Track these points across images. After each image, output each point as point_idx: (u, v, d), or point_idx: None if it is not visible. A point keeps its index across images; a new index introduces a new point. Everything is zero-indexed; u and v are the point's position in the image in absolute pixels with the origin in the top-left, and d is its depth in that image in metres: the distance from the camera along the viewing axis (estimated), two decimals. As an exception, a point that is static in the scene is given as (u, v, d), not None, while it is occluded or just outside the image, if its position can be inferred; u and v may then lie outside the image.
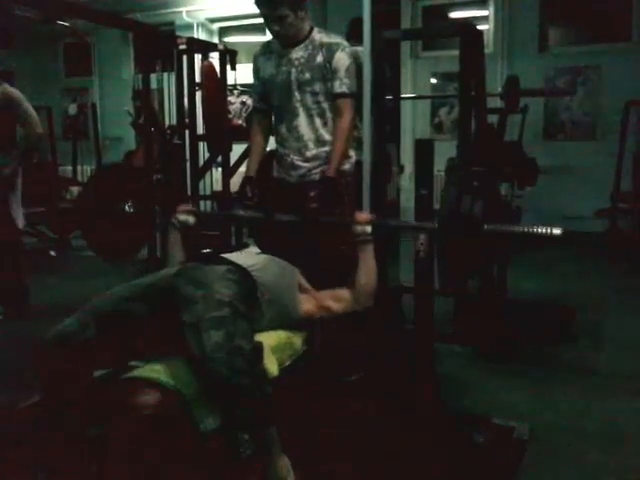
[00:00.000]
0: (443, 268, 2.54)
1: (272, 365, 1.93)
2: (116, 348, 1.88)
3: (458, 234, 2.37)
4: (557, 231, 1.99)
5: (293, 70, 2.72)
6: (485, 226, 2.18)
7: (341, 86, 2.70)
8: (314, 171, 2.77)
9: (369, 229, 2.24)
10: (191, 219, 2.50)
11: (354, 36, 3.07)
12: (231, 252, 2.27)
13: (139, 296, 1.94)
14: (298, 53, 2.73)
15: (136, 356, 1.90)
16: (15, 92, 3.78)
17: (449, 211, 2.57)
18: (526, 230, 2.09)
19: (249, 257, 2.19)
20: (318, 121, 2.76)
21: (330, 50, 2.69)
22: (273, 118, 2.94)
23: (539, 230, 2.03)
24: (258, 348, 1.82)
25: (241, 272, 2.03)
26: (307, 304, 2.21)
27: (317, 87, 2.71)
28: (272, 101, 2.86)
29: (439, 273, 2.52)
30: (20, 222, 4.12)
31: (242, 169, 4.63)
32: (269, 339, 2.01)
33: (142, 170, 5.00)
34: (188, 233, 2.52)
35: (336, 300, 2.24)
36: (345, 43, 2.74)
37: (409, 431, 2.29)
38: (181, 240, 2.47)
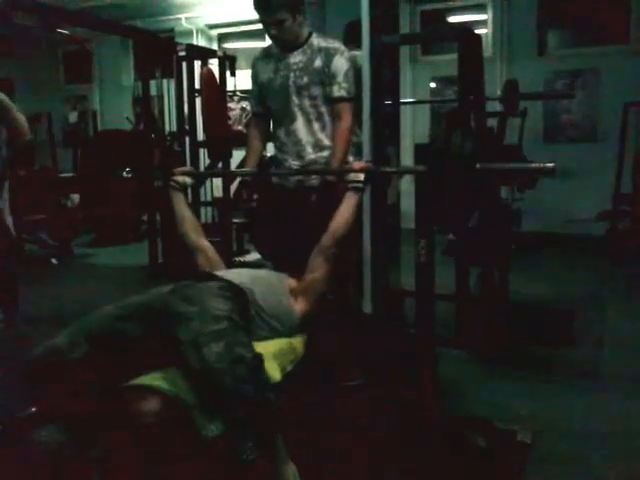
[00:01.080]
0: (439, 211, 2.50)
1: (274, 371, 1.93)
2: (108, 367, 1.86)
3: (450, 174, 2.36)
4: (550, 165, 1.97)
5: (291, 74, 2.73)
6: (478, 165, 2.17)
7: (340, 90, 2.71)
8: (312, 176, 2.77)
9: (362, 177, 2.29)
10: (188, 179, 2.58)
11: (351, 40, 3.08)
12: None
13: (131, 315, 1.94)
14: (296, 57, 2.74)
15: (129, 375, 1.89)
16: (4, 97, 3.78)
17: (439, 150, 2.53)
18: (520, 166, 2.08)
19: (238, 275, 2.19)
20: (316, 125, 2.76)
21: (328, 55, 2.70)
22: (271, 123, 2.95)
23: (532, 166, 2.03)
24: (259, 357, 1.82)
25: (234, 289, 2.03)
26: (300, 305, 2.21)
27: (315, 91, 2.72)
28: (270, 105, 2.87)
29: (436, 218, 2.48)
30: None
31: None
32: (270, 346, 2.02)
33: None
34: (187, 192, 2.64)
35: (312, 269, 2.25)
36: (343, 48, 2.75)
37: (411, 435, 2.29)
38: (184, 198, 2.55)
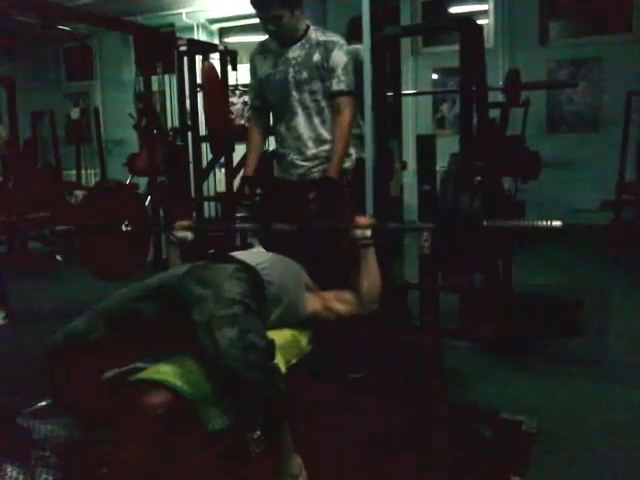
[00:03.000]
0: (445, 266, 2.53)
1: (279, 364, 1.94)
2: (125, 348, 1.88)
3: (457, 231, 2.36)
4: (557, 224, 1.99)
5: (290, 69, 2.72)
6: (485, 222, 2.17)
7: (339, 84, 2.70)
8: (314, 170, 2.77)
9: (369, 233, 2.22)
10: (189, 235, 2.47)
11: (354, 35, 3.07)
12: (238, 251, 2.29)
13: (147, 296, 1.95)
14: (295, 52, 2.73)
15: (145, 356, 1.90)
16: None
17: (447, 209, 2.55)
18: (526, 224, 2.09)
19: (256, 256, 2.19)
20: (317, 120, 2.76)
21: (327, 49, 2.69)
22: (271, 117, 2.94)
23: (539, 224, 2.03)
24: (271, 344, 1.82)
25: (249, 270, 2.02)
26: (313, 303, 2.21)
27: (315, 86, 2.71)
28: (270, 100, 2.87)
29: (442, 272, 2.51)
30: None
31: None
32: (275, 338, 2.02)
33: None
34: (187, 248, 2.48)
35: (341, 303, 2.24)
36: (342, 41, 2.74)
37: (416, 426, 2.30)
38: (180, 256, 2.45)
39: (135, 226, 2.99)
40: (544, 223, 2.02)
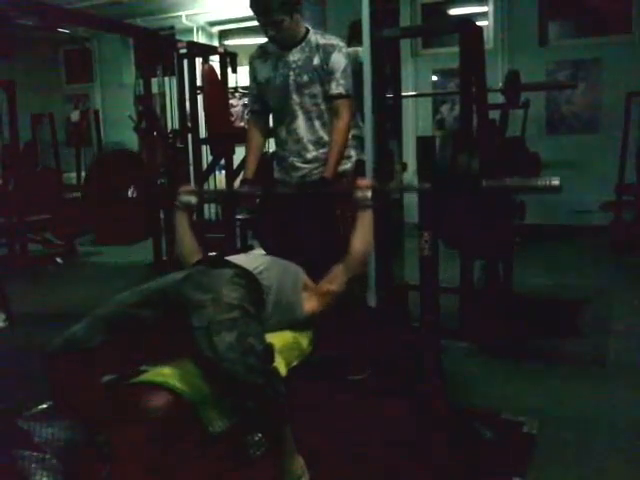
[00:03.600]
0: (444, 231, 2.51)
1: (280, 366, 1.94)
2: (125, 354, 1.88)
3: (456, 192, 2.37)
4: (555, 182, 2.01)
5: (291, 73, 2.72)
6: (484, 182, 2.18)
7: (338, 87, 2.70)
8: (315, 172, 2.77)
9: (369, 194, 2.29)
10: (193, 199, 2.54)
11: (355, 38, 3.07)
12: (237, 254, 2.29)
13: (146, 302, 1.94)
14: (295, 56, 2.73)
15: (144, 362, 1.90)
16: None
17: (445, 168, 2.53)
18: (525, 183, 2.11)
19: (254, 260, 2.20)
20: (317, 123, 2.76)
21: (326, 52, 2.69)
22: (271, 120, 2.95)
23: (538, 183, 2.05)
24: (270, 348, 1.83)
25: (247, 275, 2.03)
26: (311, 302, 2.22)
27: (315, 89, 2.72)
28: (270, 103, 2.87)
29: (441, 237, 2.49)
30: None
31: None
32: (275, 340, 2.02)
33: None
34: (192, 212, 2.59)
35: (331, 281, 2.26)
36: (342, 44, 2.74)
37: (416, 427, 2.30)
38: (187, 219, 2.52)
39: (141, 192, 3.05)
40: (543, 182, 2.04)
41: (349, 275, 2.27)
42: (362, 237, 2.29)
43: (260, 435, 2.01)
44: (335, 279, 2.26)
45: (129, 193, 3.61)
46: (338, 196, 2.61)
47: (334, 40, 2.74)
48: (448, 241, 2.85)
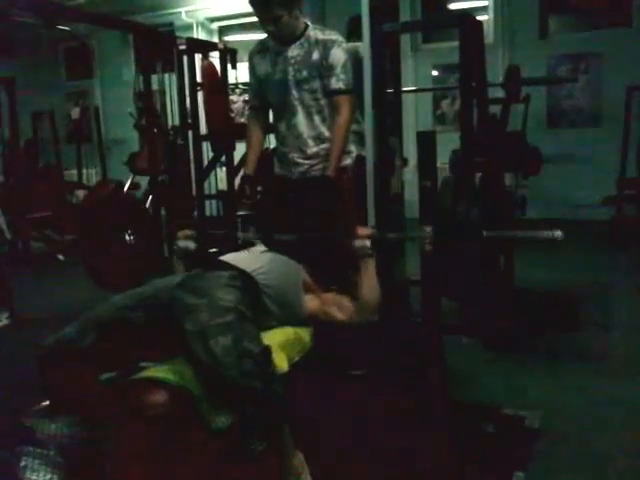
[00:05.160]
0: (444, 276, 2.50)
1: (282, 362, 1.94)
2: (118, 354, 1.87)
3: (456, 240, 2.35)
4: (558, 233, 2.01)
5: (290, 69, 2.72)
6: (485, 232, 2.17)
7: (338, 82, 2.70)
8: (315, 167, 2.78)
9: (369, 243, 2.19)
10: (191, 244, 2.45)
11: (354, 33, 3.06)
12: (237, 250, 2.28)
13: (141, 305, 1.94)
14: (294, 51, 2.73)
15: (141, 360, 1.89)
16: None
17: (446, 216, 2.52)
18: (528, 235, 2.11)
19: (254, 259, 2.18)
20: (317, 118, 2.76)
21: (326, 47, 2.69)
22: (271, 116, 2.94)
23: (541, 235, 2.05)
24: (267, 350, 1.82)
25: (244, 277, 2.01)
26: (312, 304, 2.20)
27: (315, 84, 2.71)
28: (269, 99, 2.86)
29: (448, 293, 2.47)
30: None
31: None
32: (277, 336, 2.02)
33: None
34: (190, 258, 2.45)
35: (340, 309, 2.21)
36: (341, 39, 2.74)
37: (418, 422, 2.30)
38: (183, 266, 2.43)
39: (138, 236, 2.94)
40: (545, 234, 2.04)
41: (358, 320, 2.21)
42: (368, 287, 2.20)
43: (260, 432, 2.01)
44: (344, 311, 2.20)
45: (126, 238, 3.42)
46: (338, 243, 2.51)
47: (333, 35, 2.74)
48: (454, 296, 2.81)
